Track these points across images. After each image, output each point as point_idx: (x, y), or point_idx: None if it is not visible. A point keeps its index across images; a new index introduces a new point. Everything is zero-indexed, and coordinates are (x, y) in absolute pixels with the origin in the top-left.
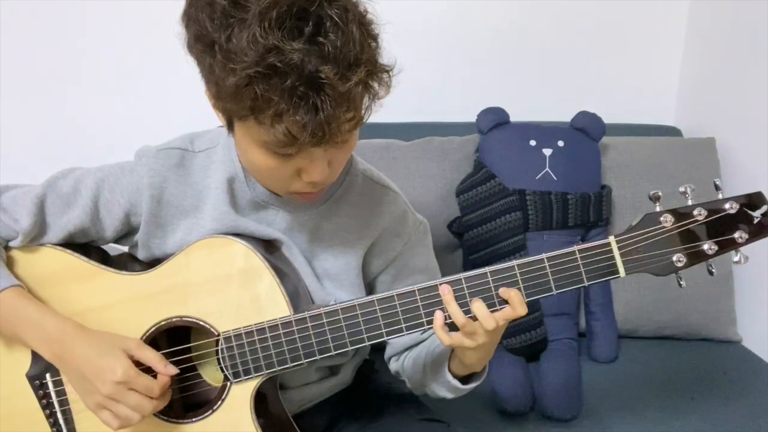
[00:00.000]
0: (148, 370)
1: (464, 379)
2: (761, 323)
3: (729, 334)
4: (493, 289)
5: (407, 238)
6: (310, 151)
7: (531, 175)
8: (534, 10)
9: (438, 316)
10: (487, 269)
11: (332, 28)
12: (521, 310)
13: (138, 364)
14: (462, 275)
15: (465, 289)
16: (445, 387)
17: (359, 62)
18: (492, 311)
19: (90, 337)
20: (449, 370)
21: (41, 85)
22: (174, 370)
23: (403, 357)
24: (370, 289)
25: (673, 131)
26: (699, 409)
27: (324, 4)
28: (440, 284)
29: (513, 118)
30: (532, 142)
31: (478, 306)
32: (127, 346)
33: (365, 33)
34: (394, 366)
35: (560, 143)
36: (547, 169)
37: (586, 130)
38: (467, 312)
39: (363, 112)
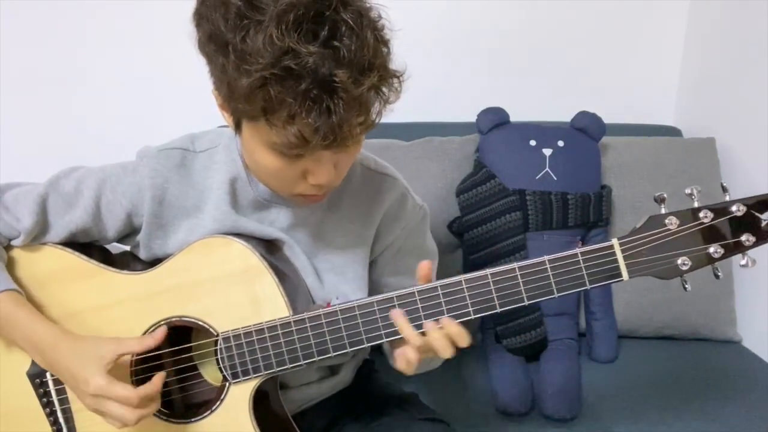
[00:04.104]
0: (151, 369)
1: None
2: (761, 323)
3: (729, 334)
4: (494, 291)
5: (405, 223)
6: (319, 154)
7: (531, 175)
8: (534, 10)
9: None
10: (487, 271)
11: (347, 32)
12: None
13: (142, 360)
14: (462, 277)
15: (465, 290)
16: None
17: (372, 67)
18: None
19: (72, 345)
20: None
21: (43, 85)
22: (161, 331)
23: None
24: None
25: (673, 131)
26: (699, 409)
27: (340, 8)
28: (392, 310)
29: (513, 118)
30: (532, 142)
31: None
32: (106, 352)
33: (378, 38)
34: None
35: (560, 143)
36: (547, 169)
37: (586, 130)
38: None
39: (374, 116)
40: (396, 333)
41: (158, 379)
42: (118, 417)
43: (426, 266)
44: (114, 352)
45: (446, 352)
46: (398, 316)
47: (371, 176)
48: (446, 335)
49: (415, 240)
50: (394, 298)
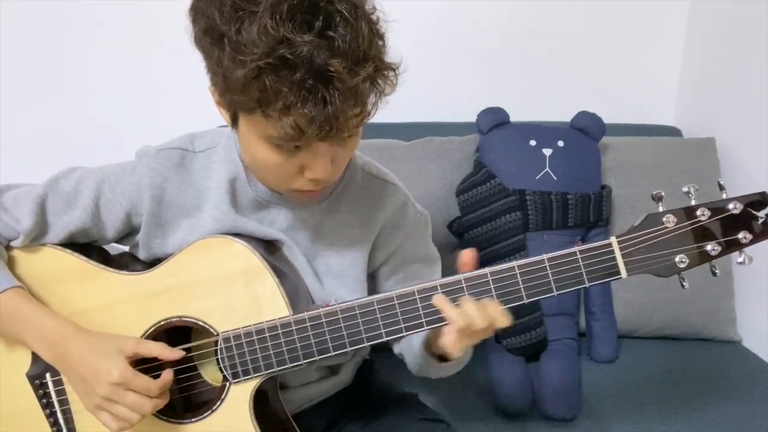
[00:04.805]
0: (149, 370)
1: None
2: (761, 323)
3: (729, 334)
4: (493, 290)
5: (408, 230)
6: (315, 146)
7: (531, 175)
8: (534, 10)
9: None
10: (487, 270)
11: (342, 23)
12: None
13: (141, 362)
14: (462, 276)
15: (465, 290)
16: (429, 366)
17: (367, 58)
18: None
19: (88, 339)
20: (429, 349)
21: (42, 85)
22: (180, 353)
23: (402, 339)
24: (370, 280)
25: (673, 131)
26: (699, 409)
27: None
28: (434, 294)
29: (513, 118)
30: (532, 142)
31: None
32: (125, 346)
33: (373, 30)
34: (396, 349)
35: (560, 143)
36: (547, 169)
37: (586, 130)
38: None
39: (369, 108)
40: (396, 332)
41: (169, 372)
42: (136, 407)
43: (468, 253)
44: (133, 348)
45: (485, 326)
46: (440, 300)
47: (372, 182)
48: (486, 313)
49: (419, 246)
50: (394, 298)
